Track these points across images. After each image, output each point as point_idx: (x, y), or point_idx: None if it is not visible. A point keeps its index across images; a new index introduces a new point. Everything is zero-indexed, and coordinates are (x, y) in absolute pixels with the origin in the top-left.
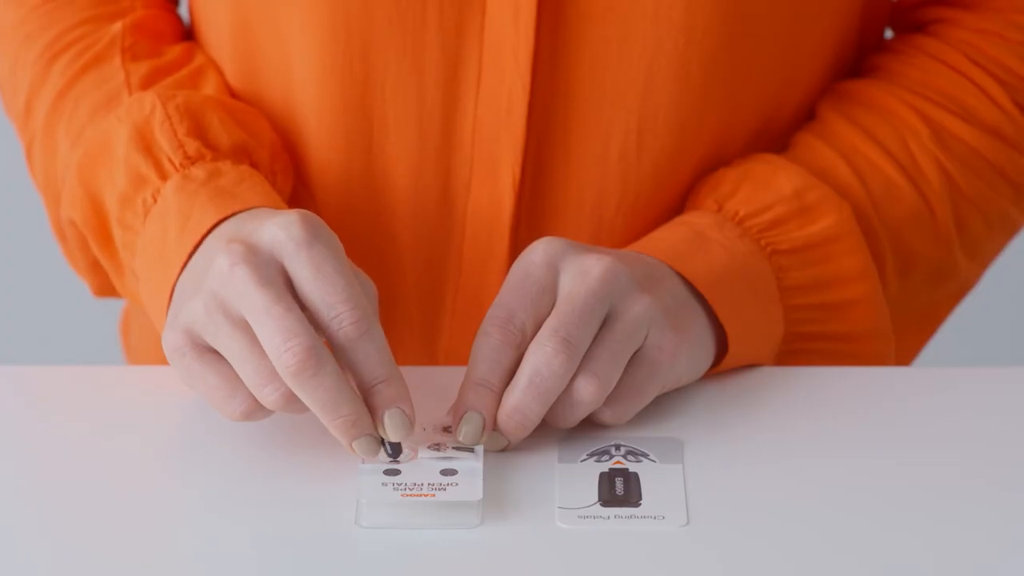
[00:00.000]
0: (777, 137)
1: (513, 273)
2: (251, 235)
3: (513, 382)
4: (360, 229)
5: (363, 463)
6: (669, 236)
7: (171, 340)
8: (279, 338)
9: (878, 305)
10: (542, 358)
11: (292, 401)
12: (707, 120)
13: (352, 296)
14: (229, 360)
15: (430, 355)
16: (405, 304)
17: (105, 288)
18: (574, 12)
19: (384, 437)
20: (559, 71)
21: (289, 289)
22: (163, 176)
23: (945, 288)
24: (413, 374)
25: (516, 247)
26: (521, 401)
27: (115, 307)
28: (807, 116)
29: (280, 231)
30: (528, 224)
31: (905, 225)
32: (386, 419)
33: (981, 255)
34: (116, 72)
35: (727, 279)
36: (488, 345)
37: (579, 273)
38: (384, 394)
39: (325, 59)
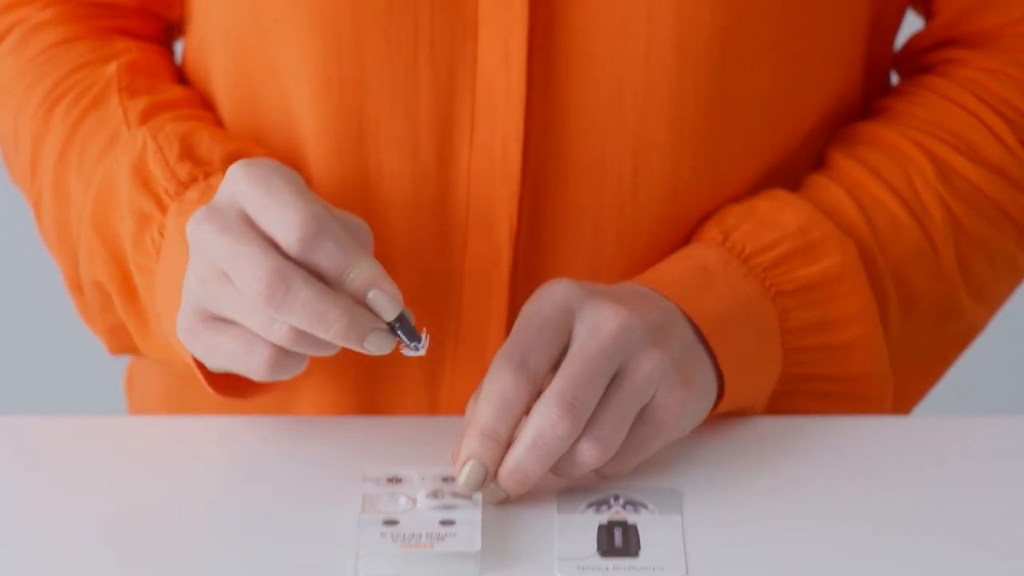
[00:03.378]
0: (781, 185)
1: (528, 314)
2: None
3: (517, 439)
4: None
5: (361, 514)
6: (675, 270)
7: (182, 325)
8: (248, 275)
9: (878, 346)
10: (546, 422)
11: (301, 333)
12: (703, 165)
13: (293, 205)
14: (233, 318)
15: (431, 405)
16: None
17: (121, 347)
18: (565, 58)
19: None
20: (552, 119)
21: (253, 228)
22: (163, 209)
23: (950, 329)
24: (414, 424)
25: (515, 295)
26: (523, 462)
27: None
28: (811, 165)
29: (228, 179)
30: (526, 272)
31: (908, 261)
32: (369, 305)
33: (987, 296)
34: (115, 110)
35: (731, 322)
36: (499, 390)
37: (593, 326)
38: (357, 281)
39: (320, 109)
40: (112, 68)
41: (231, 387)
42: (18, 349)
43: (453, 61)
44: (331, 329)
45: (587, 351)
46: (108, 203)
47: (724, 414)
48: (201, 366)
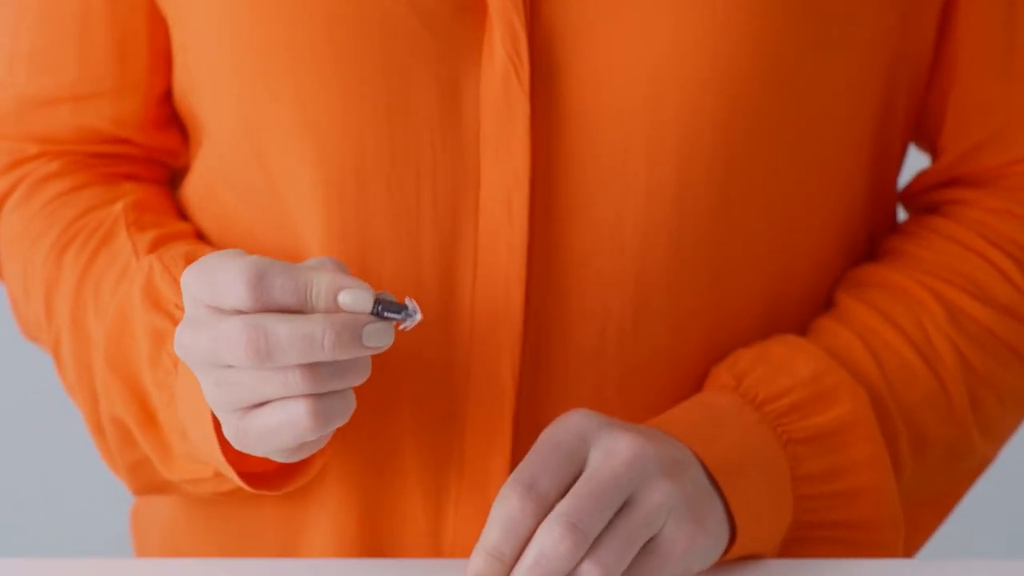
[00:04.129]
0: (784, 325)
1: (542, 439)
2: None
3: (521, 559)
4: (360, 419)
5: None
6: (689, 416)
7: (229, 435)
8: (230, 349)
9: (889, 494)
10: (549, 541)
11: (312, 369)
12: (704, 304)
13: (229, 267)
14: (259, 399)
15: (435, 547)
16: (408, 494)
17: (144, 484)
18: (565, 201)
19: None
20: (553, 260)
21: (217, 311)
22: (176, 323)
23: (960, 466)
24: (418, 567)
25: (518, 435)
26: None
27: (119, 496)
28: (815, 307)
29: (182, 288)
30: (529, 412)
31: (920, 407)
32: (343, 307)
33: (996, 432)
34: (124, 244)
35: (743, 469)
36: (505, 512)
37: (607, 452)
38: (322, 295)
39: (324, 254)
40: (119, 206)
41: (265, 482)
42: (23, 490)
43: (455, 210)
44: (324, 346)
45: (598, 475)
46: (121, 334)
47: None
48: (236, 464)
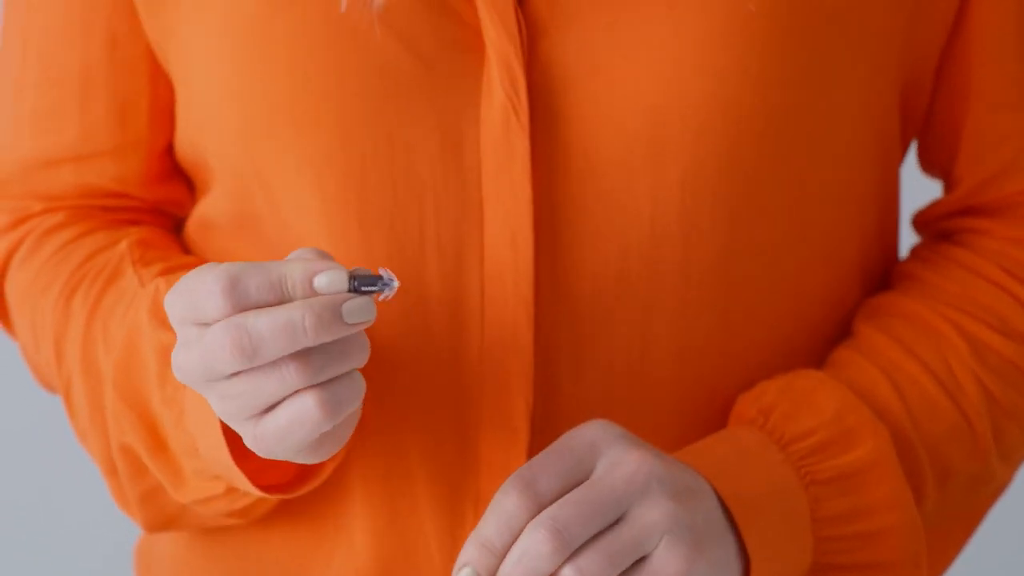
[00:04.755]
0: (796, 353)
1: (557, 442)
2: None
3: (508, 554)
4: (373, 458)
5: None
6: (714, 450)
7: (249, 443)
8: (220, 358)
9: (911, 533)
10: (532, 542)
11: (304, 359)
12: (712, 330)
13: (203, 279)
14: (266, 402)
15: None
16: (423, 533)
17: (155, 515)
18: (570, 234)
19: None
20: (560, 290)
21: (200, 325)
22: None
23: (981, 493)
24: None
25: None
26: (509, 574)
27: (118, 541)
28: (828, 336)
29: (166, 310)
30: (543, 446)
31: (944, 441)
32: (319, 291)
33: (1015, 459)
34: (131, 279)
35: (763, 507)
36: (501, 504)
37: (613, 463)
38: (297, 283)
39: None
40: (124, 244)
41: (278, 488)
42: (22, 542)
43: (460, 248)
44: (306, 330)
45: (596, 485)
46: (129, 361)
47: None
48: (247, 471)
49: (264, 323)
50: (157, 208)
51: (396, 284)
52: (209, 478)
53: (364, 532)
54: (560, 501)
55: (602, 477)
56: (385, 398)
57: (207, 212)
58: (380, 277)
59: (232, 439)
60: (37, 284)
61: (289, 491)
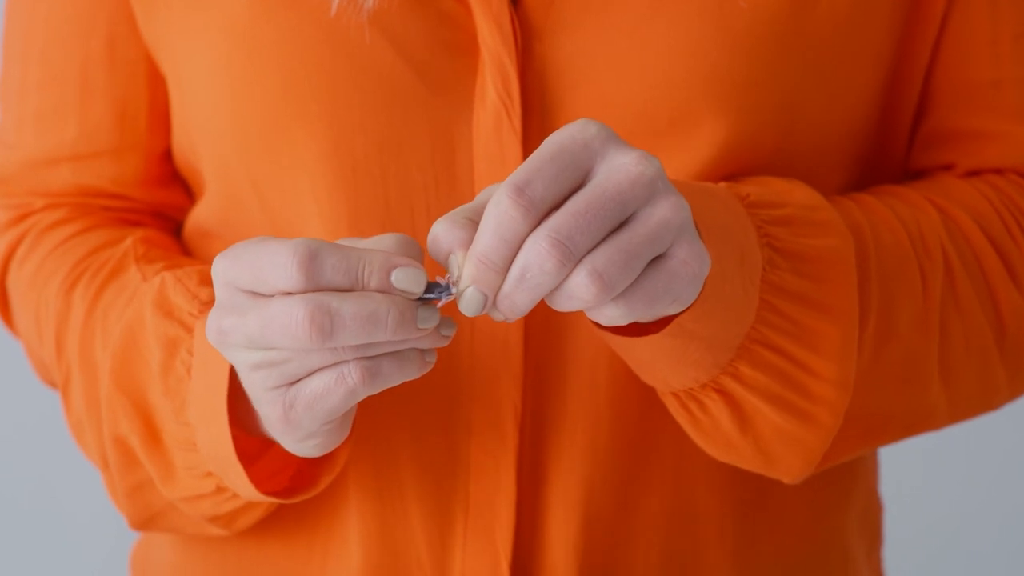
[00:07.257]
0: None
1: (546, 142)
2: None
3: (509, 271)
4: (363, 466)
5: None
6: (682, 185)
7: (272, 420)
8: (287, 331)
9: (847, 350)
10: (534, 256)
11: (364, 346)
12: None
13: (277, 249)
14: (307, 369)
15: None
16: (413, 538)
17: (142, 510)
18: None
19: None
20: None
21: (259, 295)
22: (189, 331)
23: (911, 399)
24: None
25: (522, 473)
26: (512, 293)
27: (115, 544)
28: None
29: (214, 276)
30: (532, 449)
31: (898, 282)
32: (395, 286)
33: (953, 382)
34: (133, 275)
35: (723, 236)
36: (494, 215)
37: (615, 167)
38: (375, 272)
39: None
40: (128, 241)
41: (277, 491)
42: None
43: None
44: (388, 326)
45: (599, 188)
46: (128, 352)
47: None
48: (246, 466)
49: (349, 309)
50: (156, 211)
51: (454, 292)
52: (200, 475)
53: (357, 538)
54: (560, 210)
55: (604, 181)
56: (376, 404)
57: (201, 216)
58: (439, 284)
59: (234, 437)
60: (40, 277)
61: (283, 498)
